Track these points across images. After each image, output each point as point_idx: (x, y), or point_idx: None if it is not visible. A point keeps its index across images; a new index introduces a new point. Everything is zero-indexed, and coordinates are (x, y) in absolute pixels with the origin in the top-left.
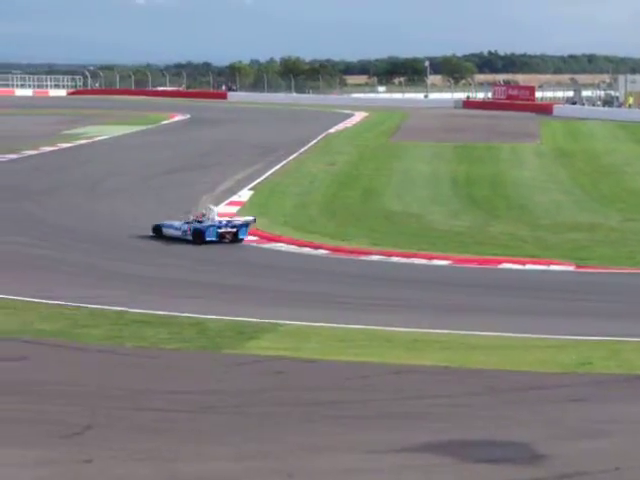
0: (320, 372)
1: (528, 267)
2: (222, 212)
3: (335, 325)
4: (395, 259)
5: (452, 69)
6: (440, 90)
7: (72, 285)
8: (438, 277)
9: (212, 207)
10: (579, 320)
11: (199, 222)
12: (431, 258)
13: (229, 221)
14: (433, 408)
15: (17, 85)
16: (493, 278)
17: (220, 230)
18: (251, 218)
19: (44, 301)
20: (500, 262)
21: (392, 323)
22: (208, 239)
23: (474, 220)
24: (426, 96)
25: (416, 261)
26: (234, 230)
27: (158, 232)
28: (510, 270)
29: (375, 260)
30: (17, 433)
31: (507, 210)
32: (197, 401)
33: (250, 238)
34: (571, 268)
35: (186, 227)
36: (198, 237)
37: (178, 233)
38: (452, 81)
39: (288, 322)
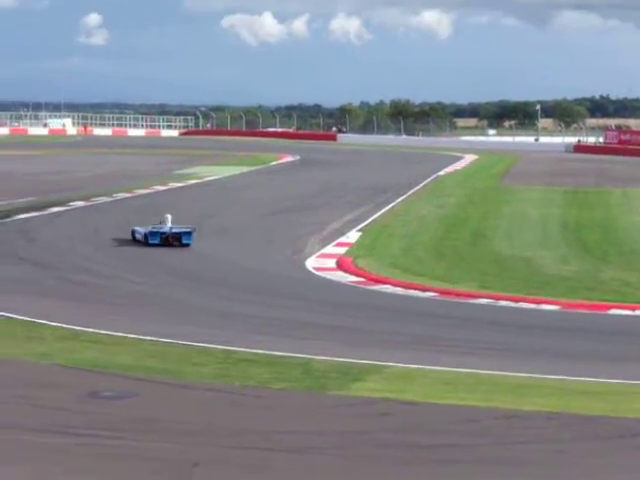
0: (425, 415)
1: (638, 313)
2: (330, 253)
3: (441, 368)
4: (503, 303)
5: (563, 113)
6: (551, 134)
7: (180, 323)
8: (546, 322)
9: (167, 216)
10: None
11: (154, 228)
12: (539, 303)
13: (172, 228)
14: (538, 453)
15: (130, 125)
16: (602, 324)
17: (163, 235)
18: (192, 227)
19: (153, 338)
20: (609, 308)
21: (498, 367)
22: (151, 242)
23: (584, 265)
24: (537, 140)
25: (524, 305)
26: (177, 236)
27: (133, 235)
28: (620, 316)
29: (483, 303)
30: (126, 470)
31: (618, 255)
32: (301, 441)
33: (356, 279)
34: None
35: (143, 232)
36: (145, 240)
37: (140, 237)
38: (563, 125)
39: (393, 364)
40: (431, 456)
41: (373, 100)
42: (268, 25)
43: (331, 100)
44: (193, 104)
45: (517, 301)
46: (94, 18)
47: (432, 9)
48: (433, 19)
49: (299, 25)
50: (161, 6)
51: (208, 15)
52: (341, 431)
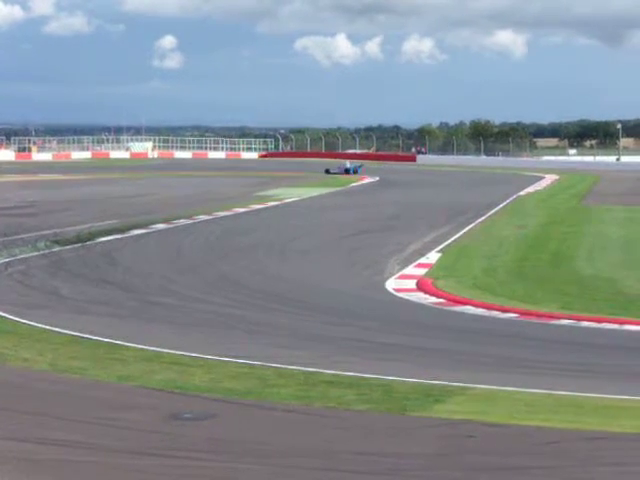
0: (508, 437)
1: None
2: (410, 274)
3: (523, 390)
4: (585, 324)
5: None
6: (632, 153)
7: (259, 344)
8: (629, 343)
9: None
10: None
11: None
12: (622, 323)
13: (343, 164)
14: (624, 476)
15: (210, 148)
16: None
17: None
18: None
19: (234, 360)
20: None
21: (581, 388)
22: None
23: None
24: (618, 159)
25: (607, 326)
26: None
27: (327, 171)
28: None
29: (564, 324)
30: None
31: None
32: (382, 463)
33: (437, 300)
34: None
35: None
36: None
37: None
38: None
39: (475, 385)
40: (515, 477)
41: (452, 121)
42: (342, 47)
43: (410, 121)
44: (272, 126)
45: (600, 322)
46: (169, 41)
47: (504, 29)
48: (507, 39)
49: (372, 47)
50: (233, 28)
51: (281, 37)
52: (424, 453)
